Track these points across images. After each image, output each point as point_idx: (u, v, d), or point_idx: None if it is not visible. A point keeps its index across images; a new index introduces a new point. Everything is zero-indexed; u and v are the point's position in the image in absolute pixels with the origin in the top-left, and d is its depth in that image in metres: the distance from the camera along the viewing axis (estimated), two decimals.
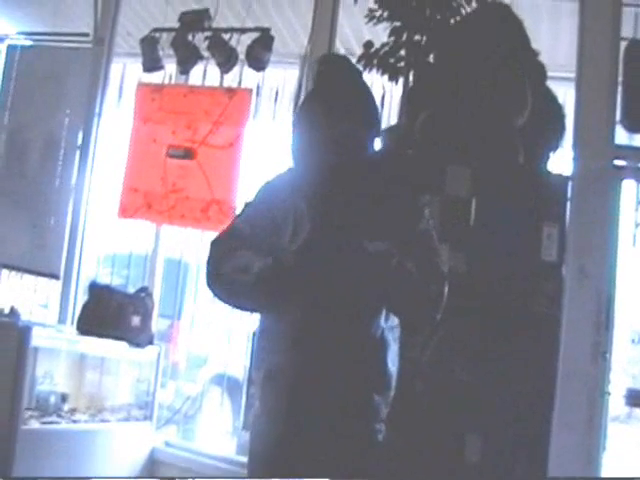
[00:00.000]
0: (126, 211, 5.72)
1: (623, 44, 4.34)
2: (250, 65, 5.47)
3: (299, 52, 5.61)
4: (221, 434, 6.40)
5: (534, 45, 4.50)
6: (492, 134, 4.23)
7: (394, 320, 2.94)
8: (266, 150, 5.73)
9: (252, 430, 3.02)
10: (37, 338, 4.66)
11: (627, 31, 4.44)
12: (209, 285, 2.98)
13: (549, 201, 4.17)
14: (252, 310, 3.09)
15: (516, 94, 4.32)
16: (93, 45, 5.99)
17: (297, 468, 2.80)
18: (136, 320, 5.23)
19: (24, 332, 4.59)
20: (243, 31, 5.49)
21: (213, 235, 3.10)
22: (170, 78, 6.03)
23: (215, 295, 3.00)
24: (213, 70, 5.68)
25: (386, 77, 4.81)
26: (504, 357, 3.94)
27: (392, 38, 4.77)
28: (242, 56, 5.46)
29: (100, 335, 5.07)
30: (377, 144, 3.14)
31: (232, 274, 2.89)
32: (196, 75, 5.80)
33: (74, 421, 4.89)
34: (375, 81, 4.82)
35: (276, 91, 6.20)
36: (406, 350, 3.05)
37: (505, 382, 3.92)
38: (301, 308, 2.84)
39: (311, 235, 2.84)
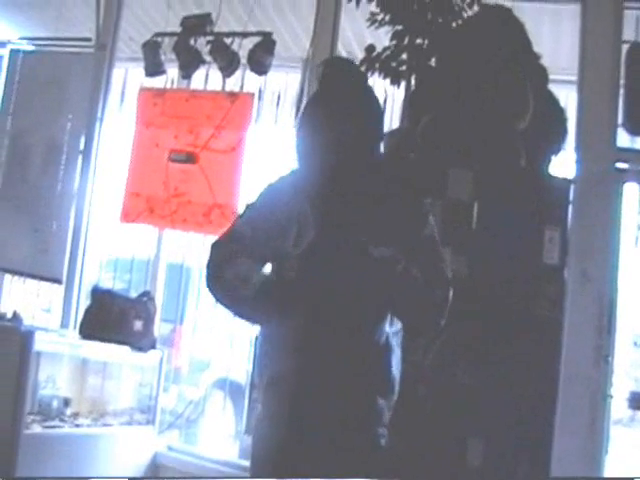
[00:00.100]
0: (128, 215, 5.72)
1: (625, 47, 4.35)
2: (252, 69, 5.47)
3: (301, 56, 5.60)
4: (223, 438, 6.40)
5: (536, 48, 4.50)
6: (494, 137, 4.22)
7: (398, 324, 2.93)
8: (268, 154, 5.72)
9: (254, 434, 3.01)
10: (40, 342, 4.67)
11: (629, 34, 4.44)
12: (210, 288, 2.98)
13: (551, 204, 4.16)
14: (253, 322, 3.08)
15: (518, 97, 4.31)
16: (95, 50, 6.00)
17: (300, 472, 2.79)
18: (138, 324, 5.23)
19: (27, 336, 4.60)
20: (245, 35, 5.49)
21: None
22: (172, 83, 6.03)
23: (216, 300, 2.99)
24: (215, 74, 5.68)
25: (388, 81, 4.81)
26: (506, 360, 3.93)
27: (394, 42, 4.78)
28: (244, 60, 5.46)
29: (102, 339, 5.08)
30: (381, 147, 3.13)
31: (233, 281, 2.90)
32: (198, 79, 5.80)
33: (76, 425, 4.89)
34: (377, 85, 4.81)
35: (278, 95, 6.19)
36: (408, 354, 3.04)
37: (507, 385, 3.91)
38: (305, 314, 2.83)
39: (315, 239, 2.83)
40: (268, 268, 3.00)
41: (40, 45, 6.39)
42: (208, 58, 5.57)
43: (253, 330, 3.19)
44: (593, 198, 4.17)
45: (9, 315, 5.14)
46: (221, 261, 2.94)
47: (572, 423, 3.97)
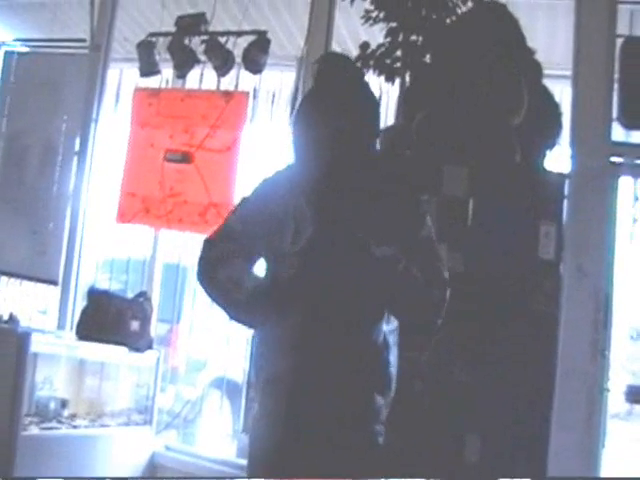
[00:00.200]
0: (124, 216, 5.72)
1: (619, 41, 4.34)
2: (247, 68, 5.46)
3: (296, 54, 5.58)
4: (221, 437, 6.39)
5: (530, 44, 4.49)
6: (489, 133, 4.22)
7: (394, 322, 2.93)
8: (263, 153, 5.71)
9: (251, 433, 3.01)
10: (36, 344, 4.66)
11: (622, 28, 4.43)
12: (203, 287, 2.98)
13: (546, 199, 4.17)
14: (249, 325, 3.07)
15: (512, 93, 4.31)
16: (90, 51, 6.00)
17: (297, 471, 2.78)
18: (135, 325, 5.23)
19: (23, 338, 4.59)
20: (239, 34, 5.49)
21: None
22: (167, 82, 6.02)
23: (210, 299, 2.99)
24: (210, 74, 5.67)
25: (383, 78, 4.81)
26: (503, 356, 3.93)
27: (388, 39, 4.78)
28: (239, 59, 5.45)
29: (99, 340, 5.07)
30: (377, 143, 3.13)
31: (226, 283, 2.90)
32: (193, 79, 5.79)
33: (74, 426, 4.89)
34: (372, 82, 4.80)
35: (273, 94, 6.18)
36: (405, 351, 3.04)
37: (504, 381, 3.91)
38: (303, 311, 2.83)
39: (314, 236, 2.83)
40: (262, 268, 3.00)
41: (35, 46, 6.39)
42: (203, 57, 5.56)
43: (249, 330, 3.18)
44: (588, 193, 4.17)
45: (6, 317, 5.13)
46: (214, 260, 2.94)
47: (569, 417, 3.97)
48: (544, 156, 4.46)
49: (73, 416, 4.94)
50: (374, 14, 4.79)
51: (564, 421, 3.95)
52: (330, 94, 2.96)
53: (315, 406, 2.80)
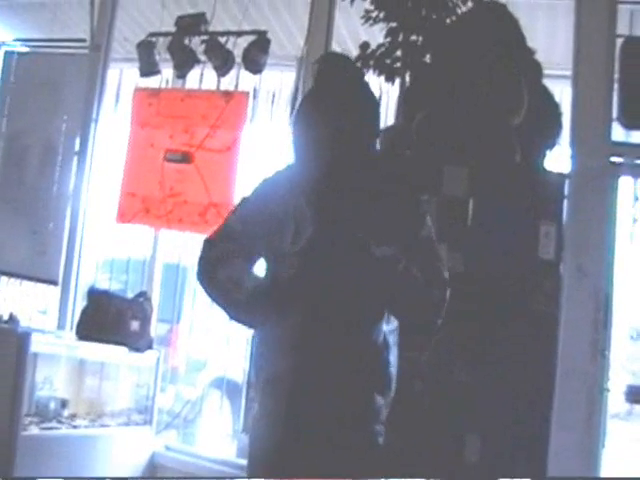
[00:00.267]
0: (124, 216, 5.71)
1: (619, 41, 4.34)
2: (247, 68, 5.46)
3: (296, 54, 5.58)
4: (221, 437, 6.39)
5: (530, 44, 4.49)
6: (489, 133, 4.22)
7: (394, 322, 2.93)
8: (263, 153, 5.71)
9: (251, 433, 3.01)
10: (36, 344, 4.65)
11: (622, 28, 4.43)
12: (202, 287, 2.98)
13: (546, 199, 4.16)
14: (249, 326, 3.07)
15: (512, 93, 4.31)
16: (90, 51, 6.00)
17: (297, 471, 2.78)
18: (135, 325, 5.22)
19: (23, 338, 4.59)
20: (239, 34, 5.48)
21: None
22: (167, 82, 6.02)
23: (210, 299, 3.00)
24: (210, 74, 5.67)
25: (383, 78, 4.81)
26: (503, 356, 3.93)
27: (388, 39, 4.78)
28: (239, 59, 5.45)
29: (99, 340, 5.07)
30: (377, 143, 3.13)
31: (226, 283, 2.91)
32: (193, 79, 5.79)
33: (74, 426, 4.88)
34: (372, 82, 4.80)
35: (273, 94, 6.18)
36: (405, 351, 3.04)
37: (504, 381, 3.91)
38: (303, 311, 2.83)
39: (314, 236, 2.83)
40: (262, 268, 3.00)
41: (35, 47, 6.39)
42: (203, 57, 5.56)
43: (249, 330, 3.18)
44: (588, 192, 4.17)
45: (5, 317, 5.13)
46: (214, 260, 2.94)
47: (569, 417, 3.96)
48: (544, 156, 4.46)
49: (73, 416, 4.94)
50: (374, 14, 4.79)
51: (564, 421, 3.95)
52: (330, 94, 2.96)
53: (315, 406, 2.80)
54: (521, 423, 3.89)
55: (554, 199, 4.17)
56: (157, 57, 5.72)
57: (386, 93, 5.17)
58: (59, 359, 4.98)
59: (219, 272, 2.91)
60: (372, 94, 3.08)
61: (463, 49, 4.40)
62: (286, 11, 5.91)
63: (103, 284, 6.21)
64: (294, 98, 5.38)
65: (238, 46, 5.46)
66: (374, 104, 3.08)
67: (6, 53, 6.40)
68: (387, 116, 4.94)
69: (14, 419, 4.45)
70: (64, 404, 4.92)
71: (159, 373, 5.48)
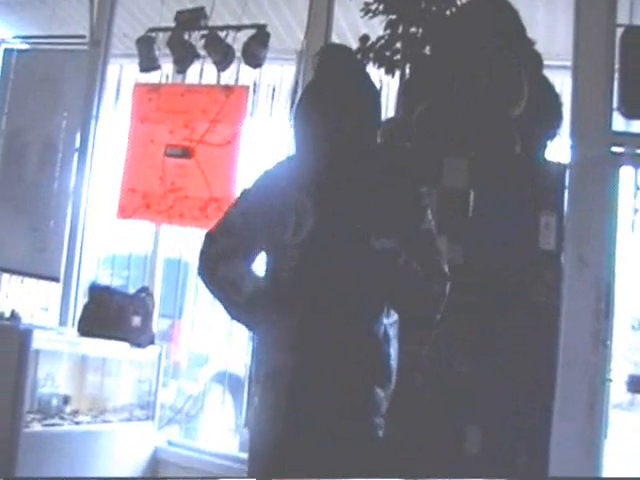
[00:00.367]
0: (125, 212, 5.71)
1: (619, 31, 4.32)
2: (247, 62, 5.45)
3: (295, 48, 5.57)
4: (223, 432, 6.40)
5: (530, 34, 4.48)
6: (489, 125, 4.21)
7: (394, 316, 2.93)
8: (264, 147, 5.70)
9: (252, 427, 3.02)
10: (38, 341, 4.64)
11: (623, 18, 4.41)
12: (204, 282, 2.98)
13: (547, 190, 4.15)
14: (250, 327, 3.06)
15: (512, 84, 4.29)
16: (89, 47, 5.98)
17: (297, 464, 2.78)
18: (137, 320, 5.22)
19: (25, 335, 4.58)
20: (239, 28, 5.48)
21: None
22: (167, 78, 6.01)
23: (213, 296, 2.99)
24: (210, 68, 5.67)
25: (382, 70, 4.80)
26: (503, 347, 3.92)
27: (388, 31, 4.78)
28: (239, 53, 5.44)
29: (101, 336, 5.06)
30: (378, 136, 3.12)
31: (226, 284, 2.91)
32: (193, 74, 5.78)
33: (76, 423, 4.87)
34: (372, 75, 4.79)
35: (273, 88, 6.17)
36: (405, 344, 3.03)
37: (505, 372, 3.91)
38: (304, 304, 2.83)
39: (315, 228, 2.83)
40: (262, 263, 2.99)
41: (34, 43, 6.38)
42: (203, 52, 5.56)
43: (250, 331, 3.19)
44: (589, 183, 4.15)
45: (7, 314, 5.13)
46: (215, 257, 2.94)
47: (571, 408, 3.95)
48: (544, 147, 4.45)
49: (75, 412, 4.93)
50: (373, 6, 4.79)
51: (566, 412, 3.94)
52: (331, 86, 2.96)
53: (315, 399, 2.80)
54: (521, 414, 3.88)
55: (555, 189, 4.16)
56: (157, 52, 5.71)
57: (386, 85, 5.16)
58: (61, 355, 4.97)
59: (220, 269, 2.91)
60: (373, 85, 3.08)
61: (463, 41, 4.39)
62: (285, 5, 5.90)
63: (104, 280, 6.19)
64: (294, 92, 5.37)
65: (238, 40, 5.45)
66: (375, 96, 3.08)
67: (6, 50, 6.39)
68: (387, 108, 4.93)
69: (16, 416, 4.44)
70: (66, 400, 4.91)
71: (161, 368, 5.47)
